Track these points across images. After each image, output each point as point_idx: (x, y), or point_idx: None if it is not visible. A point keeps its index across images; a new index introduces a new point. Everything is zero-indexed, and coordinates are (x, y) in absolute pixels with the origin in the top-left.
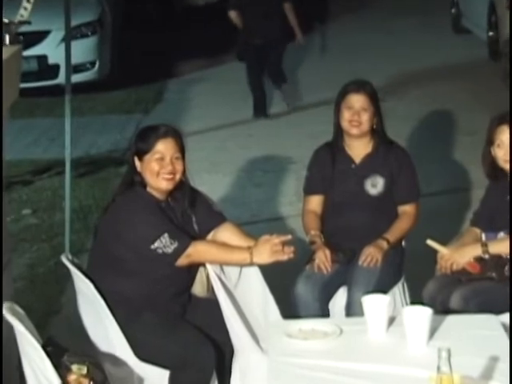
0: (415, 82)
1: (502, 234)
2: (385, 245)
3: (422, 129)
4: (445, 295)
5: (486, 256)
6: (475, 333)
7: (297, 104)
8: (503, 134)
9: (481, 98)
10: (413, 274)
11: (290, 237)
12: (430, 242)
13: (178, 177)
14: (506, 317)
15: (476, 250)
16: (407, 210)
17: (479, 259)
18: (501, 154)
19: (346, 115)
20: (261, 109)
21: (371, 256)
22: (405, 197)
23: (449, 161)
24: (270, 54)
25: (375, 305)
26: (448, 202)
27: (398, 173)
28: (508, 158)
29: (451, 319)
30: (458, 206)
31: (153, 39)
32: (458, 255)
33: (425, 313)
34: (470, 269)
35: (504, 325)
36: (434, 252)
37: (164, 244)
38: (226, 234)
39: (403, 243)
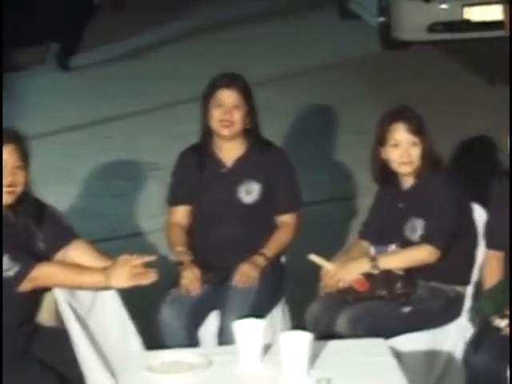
0: (296, 74)
1: (393, 247)
2: (262, 261)
3: (304, 128)
4: (330, 317)
5: (376, 272)
6: (361, 360)
7: (163, 100)
8: (398, 133)
9: (371, 92)
10: (294, 294)
11: (153, 258)
12: (312, 257)
13: (19, 189)
14: (396, 341)
15: (364, 265)
16: (287, 220)
17: (368, 275)
18: (395, 155)
19: (215, 114)
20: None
21: (246, 274)
22: (284, 205)
23: (334, 164)
24: None
25: (248, 330)
26: (333, 210)
27: (276, 178)
28: (405, 159)
29: (335, 345)
30: (345, 215)
31: None
32: (344, 271)
33: (304, 339)
34: (357, 286)
35: (394, 350)
36: (318, 268)
37: (4, 267)
38: (78, 253)
39: (283, 259)
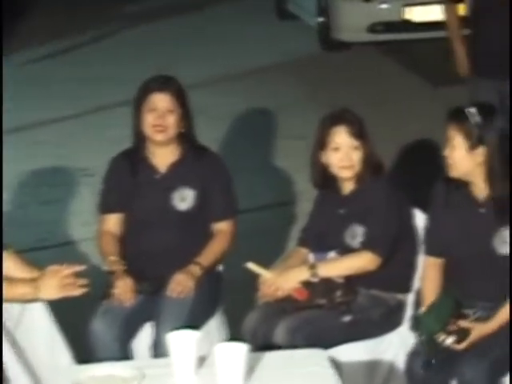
0: (233, 76)
1: (332, 254)
2: (197, 270)
3: (242, 132)
4: (268, 328)
5: (315, 280)
6: (300, 371)
7: (95, 103)
8: (339, 136)
9: (311, 95)
10: (232, 304)
11: (83, 267)
12: (250, 266)
13: None
14: (336, 351)
15: (303, 274)
16: (223, 228)
17: (307, 284)
18: (336, 159)
19: (148, 118)
20: None
21: (181, 284)
22: (220, 212)
23: (274, 169)
24: None
25: (183, 342)
26: (272, 217)
27: (211, 184)
28: (346, 164)
29: (273, 356)
30: (285, 221)
31: None
32: (282, 280)
33: (240, 350)
34: (296, 295)
35: (334, 360)
36: (256, 277)
37: None
38: (5, 264)
39: (219, 267)
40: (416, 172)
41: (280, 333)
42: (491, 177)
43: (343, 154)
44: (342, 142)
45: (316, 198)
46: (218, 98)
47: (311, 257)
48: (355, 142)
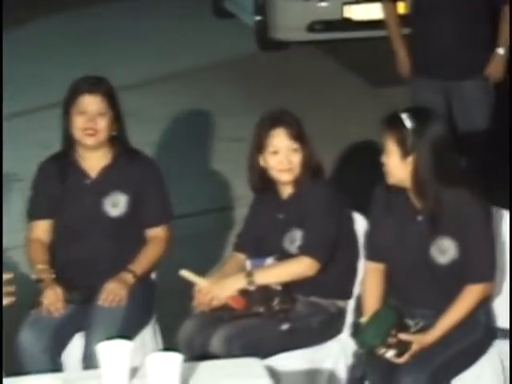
0: (168, 76)
1: (269, 260)
2: (130, 278)
3: (177, 134)
4: (204, 337)
5: (252, 288)
6: (236, 381)
7: (24, 106)
8: (277, 139)
9: (248, 96)
10: (167, 313)
11: (10, 275)
12: (184, 273)
13: None
14: (275, 360)
15: (240, 282)
16: (157, 233)
17: (244, 292)
18: (275, 162)
19: (78, 122)
20: None
21: (113, 293)
22: (154, 218)
23: (211, 173)
24: None
25: (114, 353)
26: (208, 223)
27: (144, 189)
28: (285, 167)
29: (208, 366)
30: (223, 227)
31: None
32: (218, 288)
33: (174, 360)
34: (232, 304)
35: (272, 369)
36: (191, 285)
37: None
38: None
39: (153, 275)
40: (357, 175)
41: (216, 342)
42: (419, 188)
43: (282, 157)
44: (281, 144)
45: (252, 201)
46: (152, 99)
47: (248, 263)
48: (294, 145)
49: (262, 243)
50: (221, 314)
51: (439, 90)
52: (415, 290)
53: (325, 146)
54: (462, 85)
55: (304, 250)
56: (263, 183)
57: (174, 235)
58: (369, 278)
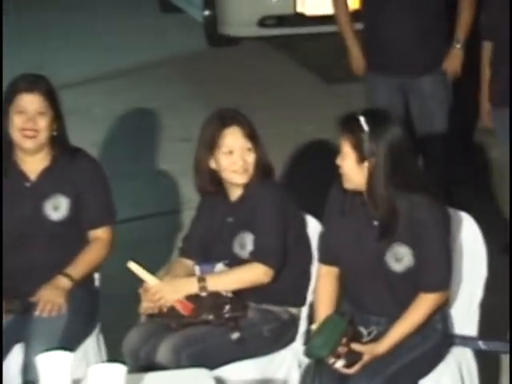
0: (112, 74)
1: (220, 266)
2: (66, 283)
3: (123, 134)
4: (150, 347)
5: (203, 294)
6: None
7: None
8: (232, 138)
9: (197, 94)
10: (110, 322)
11: None
12: (132, 266)
13: None
14: (225, 370)
15: (192, 286)
16: (98, 235)
17: (193, 297)
18: (228, 162)
19: (17, 121)
20: None
21: (50, 302)
22: (95, 219)
23: (157, 175)
24: None
25: (54, 364)
26: (156, 227)
27: (86, 190)
28: (240, 168)
29: (155, 377)
30: (170, 231)
31: None
32: (169, 289)
33: (117, 371)
34: (180, 308)
35: (221, 380)
36: (137, 292)
37: None
38: None
39: (96, 282)
40: (310, 176)
41: (162, 352)
42: (374, 193)
43: (237, 157)
44: (236, 144)
45: (199, 204)
46: (95, 98)
47: (197, 269)
48: (248, 144)
49: (210, 248)
50: (168, 322)
51: (396, 88)
52: (370, 297)
53: (276, 145)
54: (419, 81)
55: (256, 257)
56: (212, 185)
57: (119, 240)
58: (321, 282)
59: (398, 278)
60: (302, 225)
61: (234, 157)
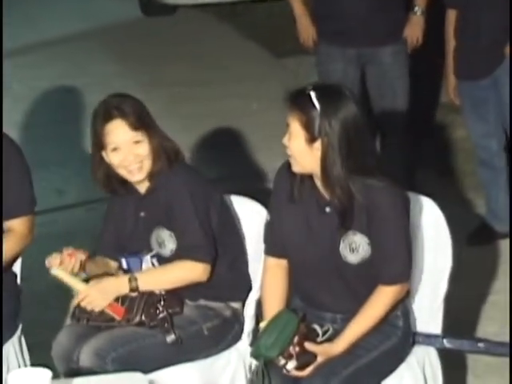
0: (34, 48)
1: (147, 258)
2: None
3: (44, 116)
4: (79, 350)
5: (134, 294)
6: None
7: None
8: (114, 134)
9: (129, 69)
10: (34, 323)
11: None
12: (56, 272)
13: None
14: (162, 375)
15: (122, 287)
16: (13, 226)
17: (123, 298)
18: (118, 160)
19: None
20: None
21: None
22: (11, 208)
23: (84, 161)
24: None
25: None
26: (82, 217)
27: (3, 176)
28: (130, 164)
29: (84, 382)
30: (97, 222)
31: None
32: (97, 293)
33: (41, 376)
34: (111, 312)
35: None
36: (63, 290)
37: None
38: None
39: (18, 279)
40: (254, 158)
41: (86, 355)
42: (327, 177)
43: (126, 153)
44: (120, 139)
45: (109, 202)
46: (13, 74)
47: (124, 263)
48: (137, 136)
49: (126, 247)
50: (99, 324)
51: (352, 60)
52: (323, 292)
53: (221, 124)
54: (378, 52)
55: (184, 255)
56: (117, 183)
57: (43, 232)
58: (268, 276)
59: (354, 270)
60: (225, 209)
61: (123, 153)
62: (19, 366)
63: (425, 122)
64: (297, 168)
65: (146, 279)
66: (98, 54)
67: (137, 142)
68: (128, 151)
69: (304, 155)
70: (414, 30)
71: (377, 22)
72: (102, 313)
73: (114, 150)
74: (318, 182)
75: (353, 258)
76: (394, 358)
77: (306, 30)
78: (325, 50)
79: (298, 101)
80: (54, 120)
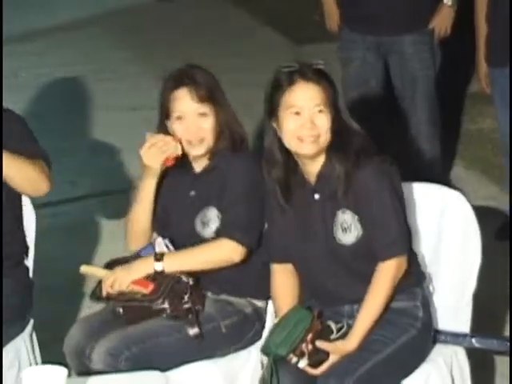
0: (35, 33)
1: (160, 241)
2: None
3: (52, 104)
4: (92, 346)
5: (160, 275)
6: None
7: None
8: (180, 102)
9: (142, 56)
10: (46, 318)
11: None
12: (84, 269)
13: None
14: (179, 372)
15: (148, 266)
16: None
17: (151, 278)
18: (181, 130)
19: None
20: None
21: None
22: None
23: (97, 150)
24: None
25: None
26: (98, 209)
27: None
28: (192, 136)
29: (98, 381)
30: (112, 214)
31: None
32: (123, 272)
33: (55, 374)
34: (140, 288)
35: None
36: (75, 283)
37: None
38: None
39: (30, 273)
40: None
41: (98, 355)
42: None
43: (189, 123)
44: (185, 108)
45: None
46: (16, 62)
47: (158, 245)
48: (203, 108)
49: (170, 226)
50: (115, 317)
51: (371, 48)
52: (331, 283)
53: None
54: (397, 41)
55: (222, 232)
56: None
57: (55, 224)
58: (276, 278)
59: (350, 251)
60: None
61: (186, 123)
62: (30, 363)
63: (452, 113)
64: (315, 149)
65: (174, 258)
66: (107, 40)
67: (202, 115)
68: (192, 122)
69: (328, 131)
70: (443, 21)
71: (398, 11)
72: (123, 293)
73: (178, 118)
74: (304, 167)
75: (347, 239)
76: (415, 353)
77: (333, 15)
78: (347, 36)
79: (318, 75)
80: (63, 108)
